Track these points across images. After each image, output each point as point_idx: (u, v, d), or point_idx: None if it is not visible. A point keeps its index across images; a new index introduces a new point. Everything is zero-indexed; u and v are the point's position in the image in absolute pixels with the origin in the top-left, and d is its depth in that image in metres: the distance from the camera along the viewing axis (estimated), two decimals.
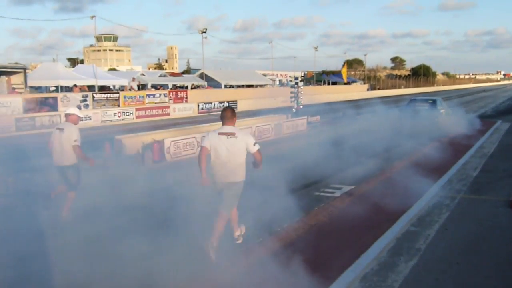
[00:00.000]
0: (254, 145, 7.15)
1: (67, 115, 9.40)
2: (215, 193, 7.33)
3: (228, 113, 7.39)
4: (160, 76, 59.44)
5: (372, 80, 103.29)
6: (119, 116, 31.18)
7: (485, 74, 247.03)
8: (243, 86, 59.87)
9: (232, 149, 7.10)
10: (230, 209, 7.28)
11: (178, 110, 36.37)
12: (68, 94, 30.31)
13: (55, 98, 28.47)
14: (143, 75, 55.63)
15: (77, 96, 30.00)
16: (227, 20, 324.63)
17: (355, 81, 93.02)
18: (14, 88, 29.48)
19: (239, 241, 7.54)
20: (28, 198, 10.24)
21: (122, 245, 7.01)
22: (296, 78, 27.58)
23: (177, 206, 8.94)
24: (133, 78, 44.31)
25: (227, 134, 7.18)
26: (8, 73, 29.18)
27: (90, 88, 37.02)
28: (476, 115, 32.67)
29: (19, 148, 17.16)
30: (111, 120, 30.48)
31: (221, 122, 7.43)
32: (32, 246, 7.33)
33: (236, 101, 42.55)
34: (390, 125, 23.11)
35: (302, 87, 26.87)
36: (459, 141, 19.18)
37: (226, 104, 40.48)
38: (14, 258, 6.91)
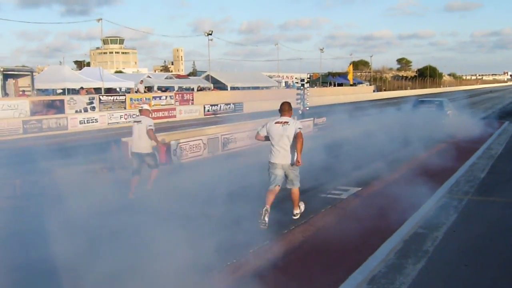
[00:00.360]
0: (299, 128, 8.51)
1: (141, 110, 11.61)
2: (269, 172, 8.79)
3: (286, 106, 8.87)
4: (166, 78, 59.61)
5: (378, 81, 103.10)
6: (125, 119, 31.24)
7: (492, 75, 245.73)
8: (249, 88, 59.88)
9: (287, 133, 8.52)
10: (298, 182, 8.82)
11: (184, 112, 36.41)
12: (75, 97, 30.41)
13: (62, 101, 28.59)
14: (149, 77, 55.76)
15: (83, 98, 30.09)
16: (232, 22, 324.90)
17: (361, 83, 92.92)
18: (24, 91, 29.60)
19: (296, 216, 8.87)
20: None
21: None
22: (302, 80, 27.55)
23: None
24: (141, 80, 44.42)
25: (282, 122, 8.63)
26: (15, 76, 29.30)
27: (97, 90, 37.13)
28: (483, 116, 32.56)
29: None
30: (117, 123, 30.54)
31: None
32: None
33: (242, 103, 42.53)
34: (396, 126, 23.04)
35: (308, 88, 26.84)
36: (466, 142, 19.10)
37: (232, 106, 40.62)
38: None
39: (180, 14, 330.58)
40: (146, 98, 34.61)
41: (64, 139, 23.51)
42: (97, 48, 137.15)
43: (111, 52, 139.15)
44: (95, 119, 29.28)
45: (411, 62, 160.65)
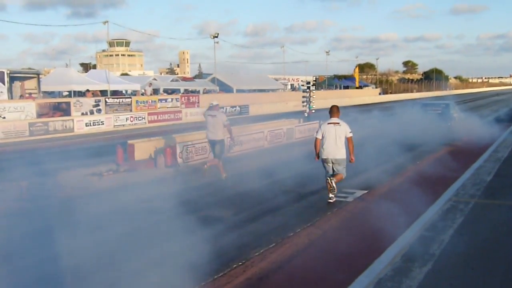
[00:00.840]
0: (350, 133, 10.54)
1: (212, 105, 13.79)
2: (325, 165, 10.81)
3: (335, 109, 10.88)
4: (172, 80, 59.60)
5: (384, 84, 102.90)
6: (131, 121, 31.32)
7: (498, 77, 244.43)
8: (254, 90, 59.81)
9: (338, 133, 10.46)
10: (344, 172, 10.75)
11: (190, 115, 36.41)
12: (81, 99, 30.50)
13: (68, 103, 28.66)
14: (155, 79, 55.78)
15: (89, 101, 30.17)
16: (238, 25, 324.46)
17: (367, 85, 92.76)
18: (31, 94, 29.71)
19: (331, 200, 10.57)
20: None
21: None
22: (308, 83, 27.45)
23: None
24: (150, 83, 44.40)
25: (334, 123, 10.60)
26: (21, 79, 29.41)
27: (103, 93, 37.20)
28: (489, 119, 32.43)
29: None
30: (123, 125, 30.61)
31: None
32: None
33: (247, 105, 42.54)
34: (402, 129, 23.03)
35: (313, 91, 26.78)
36: (472, 145, 19.04)
37: (238, 108, 40.67)
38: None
39: (186, 16, 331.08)
40: (152, 101, 34.65)
41: (71, 141, 23.58)
42: (103, 51, 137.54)
43: (117, 55, 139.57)
44: (101, 122, 29.35)
45: (417, 64, 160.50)
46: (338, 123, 10.59)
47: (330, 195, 10.44)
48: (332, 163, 10.60)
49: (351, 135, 10.53)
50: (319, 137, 10.65)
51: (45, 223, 9.19)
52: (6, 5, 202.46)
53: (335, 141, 10.48)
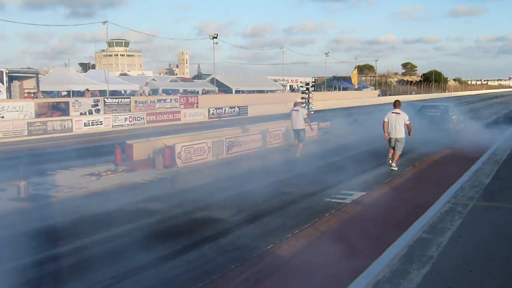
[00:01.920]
0: (407, 120, 14.41)
1: (296, 102, 18.10)
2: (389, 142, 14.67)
3: (397, 103, 14.81)
4: (171, 81, 59.59)
5: (383, 86, 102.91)
6: (130, 121, 31.29)
7: (497, 80, 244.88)
8: (253, 91, 59.84)
9: (398, 120, 14.37)
10: (400, 151, 14.61)
11: (189, 115, 36.42)
12: (80, 99, 30.47)
13: (67, 103, 28.64)
14: (154, 80, 55.77)
15: (88, 101, 30.15)
16: (237, 26, 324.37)
17: (366, 87, 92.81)
18: (30, 93, 29.67)
19: (395, 168, 14.54)
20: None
21: None
22: (307, 84, 27.46)
23: None
24: (146, 83, 44.42)
25: (396, 113, 14.49)
26: (20, 78, 29.36)
27: (101, 92, 37.16)
28: (488, 122, 32.44)
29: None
30: (122, 125, 30.58)
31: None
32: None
33: (246, 106, 42.54)
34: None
35: (312, 92, 26.79)
36: (471, 147, 19.04)
37: (236, 109, 40.75)
38: None
39: (185, 17, 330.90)
40: (150, 101, 34.64)
41: (69, 141, 23.54)
42: (102, 51, 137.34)
43: (116, 55, 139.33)
44: (100, 122, 29.32)
45: (416, 66, 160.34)
46: (399, 113, 14.46)
47: (393, 164, 14.58)
48: (395, 141, 14.46)
49: (408, 122, 14.44)
50: (386, 120, 14.55)
51: (43, 223, 9.18)
52: (4, 4, 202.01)
53: (397, 125, 14.35)
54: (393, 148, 14.55)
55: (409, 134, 14.65)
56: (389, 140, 14.67)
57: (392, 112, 14.52)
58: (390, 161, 14.54)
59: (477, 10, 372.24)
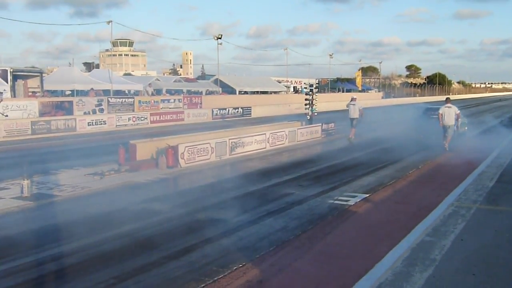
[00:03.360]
0: (458, 110, 19.31)
1: (353, 98, 23.04)
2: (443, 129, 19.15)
3: (448, 99, 20.02)
4: (175, 81, 59.60)
5: (387, 88, 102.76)
6: (133, 121, 31.31)
7: (502, 83, 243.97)
8: (257, 92, 59.86)
9: (450, 112, 19.07)
10: (451, 136, 19.22)
11: (193, 116, 36.43)
12: (84, 98, 30.50)
13: (71, 102, 28.69)
14: (158, 80, 55.78)
15: (92, 100, 30.19)
16: (240, 27, 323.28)
17: (370, 89, 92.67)
18: (33, 92, 29.72)
19: (447, 148, 19.03)
20: None
21: None
22: (311, 85, 27.41)
23: None
24: (149, 84, 44.46)
25: (448, 107, 19.21)
26: (24, 77, 29.41)
27: (105, 92, 37.19)
28: (492, 125, 32.35)
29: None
30: (125, 125, 30.61)
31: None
32: None
33: (250, 107, 42.53)
34: (404, 134, 23.07)
35: (316, 94, 26.75)
36: (475, 150, 19.01)
37: (240, 110, 40.75)
38: None
39: (189, 17, 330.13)
40: (154, 101, 34.68)
41: (73, 140, 23.58)
42: (107, 50, 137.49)
43: (120, 55, 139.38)
44: (104, 121, 29.35)
45: (420, 69, 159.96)
46: (450, 106, 19.34)
47: (446, 145, 19.15)
48: (447, 127, 19.19)
49: (458, 111, 19.51)
50: (441, 112, 19.26)
51: (46, 222, 9.20)
52: (8, 4, 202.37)
53: (449, 116, 19.19)
54: (445, 133, 19.18)
55: (457, 123, 19.66)
56: (443, 127, 19.26)
57: (445, 106, 19.36)
58: (445, 144, 19.11)
59: (481, 13, 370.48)
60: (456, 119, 19.36)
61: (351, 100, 22.72)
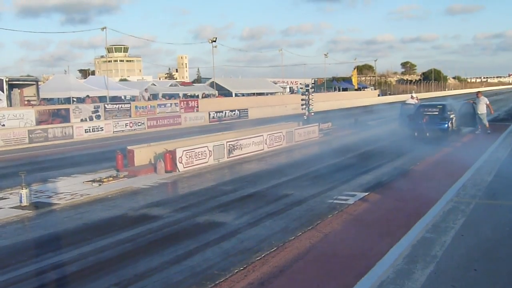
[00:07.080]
0: (488, 101, 23.90)
1: (412, 97, 28.10)
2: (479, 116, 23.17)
3: (479, 92, 25.13)
4: (171, 85, 59.59)
5: (383, 85, 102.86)
6: (130, 127, 31.29)
7: (497, 77, 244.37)
8: (253, 94, 59.83)
9: (481, 102, 23.75)
10: (485, 121, 23.62)
11: (190, 119, 36.40)
12: (80, 105, 30.47)
13: (67, 110, 28.66)
14: (154, 85, 55.75)
15: (89, 107, 30.16)
16: (234, 29, 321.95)
17: (366, 87, 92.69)
18: (28, 101, 29.69)
19: (489, 131, 22.94)
20: None
21: None
22: (307, 85, 27.42)
23: None
24: (146, 89, 44.44)
25: (480, 97, 24.20)
26: (20, 86, 29.36)
27: (102, 98, 37.17)
28: (488, 119, 32.36)
29: None
30: (122, 131, 30.57)
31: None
32: None
33: (247, 109, 42.53)
34: (399, 132, 23.14)
35: (312, 94, 26.75)
36: (471, 145, 19.04)
37: (237, 112, 40.75)
38: None
39: (182, 21, 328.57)
40: (151, 106, 34.66)
41: (71, 148, 23.56)
42: (102, 57, 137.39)
43: (115, 60, 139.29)
44: (101, 128, 29.32)
45: (415, 65, 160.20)
46: (481, 98, 23.58)
47: (488, 131, 22.91)
48: (479, 116, 23.20)
49: (488, 102, 23.66)
50: (476, 102, 23.64)
51: (45, 231, 9.19)
52: (0, 13, 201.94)
53: (480, 106, 23.29)
54: (480, 122, 23.31)
55: (491, 112, 24.43)
56: (478, 115, 23.30)
57: (477, 98, 23.81)
58: (481, 129, 23.21)
59: (473, 8, 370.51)
60: (489, 110, 23.90)
61: (411, 98, 27.41)
